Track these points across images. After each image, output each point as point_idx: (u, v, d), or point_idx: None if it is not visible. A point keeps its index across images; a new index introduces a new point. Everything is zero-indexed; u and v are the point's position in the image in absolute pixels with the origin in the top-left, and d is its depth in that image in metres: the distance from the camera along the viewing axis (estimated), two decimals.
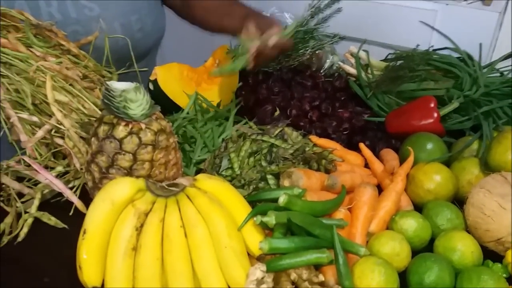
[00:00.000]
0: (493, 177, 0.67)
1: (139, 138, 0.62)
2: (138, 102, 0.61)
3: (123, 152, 0.62)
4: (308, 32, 0.99)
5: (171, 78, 0.89)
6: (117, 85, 0.60)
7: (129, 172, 0.63)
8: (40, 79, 0.71)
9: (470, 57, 0.94)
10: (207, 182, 0.61)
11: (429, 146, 0.76)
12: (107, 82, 0.60)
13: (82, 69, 0.78)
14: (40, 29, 0.75)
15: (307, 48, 0.99)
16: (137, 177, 0.63)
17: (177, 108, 0.89)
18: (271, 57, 0.84)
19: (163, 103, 0.90)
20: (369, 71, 0.99)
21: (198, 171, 0.77)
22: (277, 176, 0.71)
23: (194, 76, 0.95)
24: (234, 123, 0.87)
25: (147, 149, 0.62)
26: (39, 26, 0.74)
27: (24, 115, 0.70)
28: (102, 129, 0.62)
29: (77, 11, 0.84)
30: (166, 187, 0.59)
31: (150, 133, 0.63)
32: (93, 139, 0.63)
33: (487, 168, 0.72)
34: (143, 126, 0.62)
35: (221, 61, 0.98)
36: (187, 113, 0.86)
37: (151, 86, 0.88)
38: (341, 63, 1.04)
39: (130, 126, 0.62)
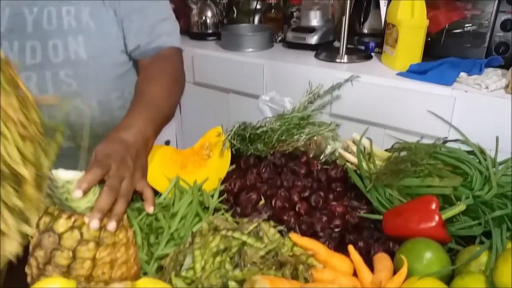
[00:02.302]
0: None
1: (81, 234, 0.55)
2: None
3: (62, 249, 0.55)
4: (304, 118, 0.94)
5: (151, 161, 0.84)
6: (61, 175, 0.55)
7: (67, 270, 0.55)
8: None
9: (482, 151, 0.84)
10: None
11: (427, 256, 0.65)
12: (52, 171, 0.55)
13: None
14: None
15: (302, 134, 0.93)
16: (76, 277, 0.55)
17: (158, 194, 0.83)
18: None
19: None
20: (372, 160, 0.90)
21: (161, 268, 0.69)
22: (243, 282, 0.62)
23: (179, 159, 0.90)
24: (216, 211, 0.79)
25: (88, 246, 0.56)
26: None
27: None
28: (43, 221, 0.56)
29: (54, 86, 0.82)
30: None
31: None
32: (35, 230, 0.58)
33: None
34: (86, 220, 0.56)
35: (211, 144, 0.93)
36: (164, 198, 0.80)
37: None
38: (341, 151, 0.97)
39: (73, 219, 0.56)
